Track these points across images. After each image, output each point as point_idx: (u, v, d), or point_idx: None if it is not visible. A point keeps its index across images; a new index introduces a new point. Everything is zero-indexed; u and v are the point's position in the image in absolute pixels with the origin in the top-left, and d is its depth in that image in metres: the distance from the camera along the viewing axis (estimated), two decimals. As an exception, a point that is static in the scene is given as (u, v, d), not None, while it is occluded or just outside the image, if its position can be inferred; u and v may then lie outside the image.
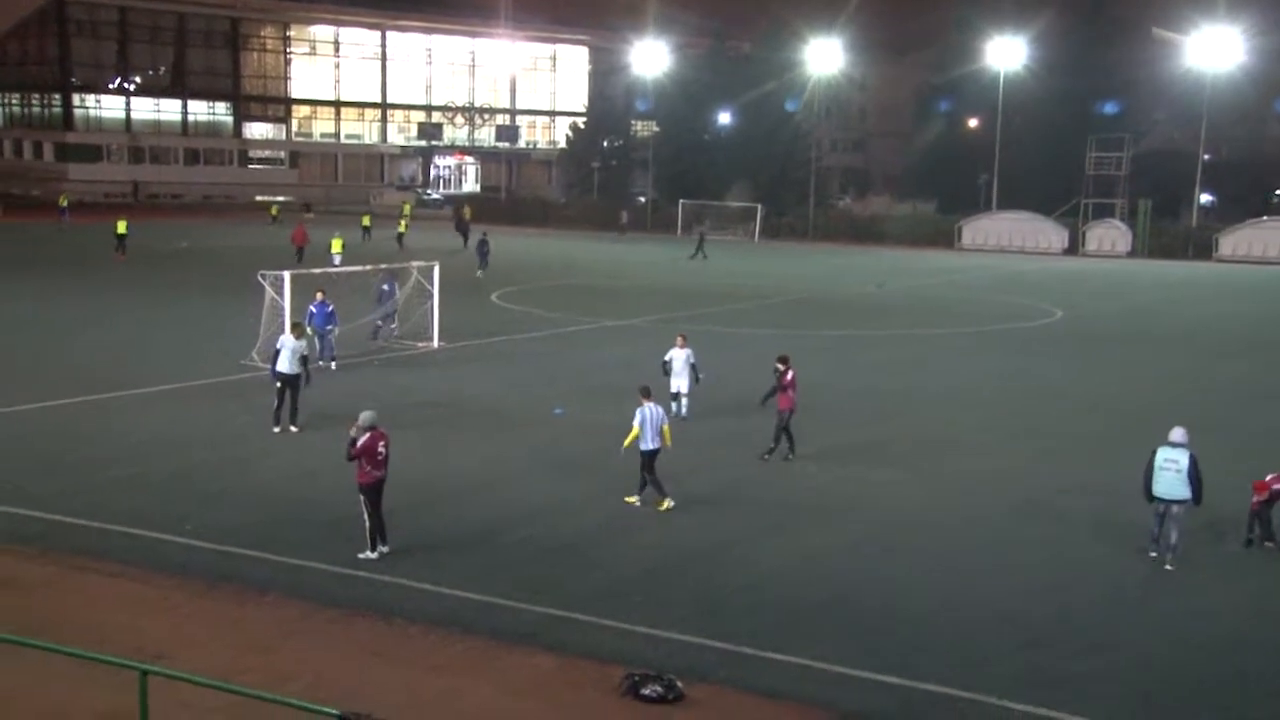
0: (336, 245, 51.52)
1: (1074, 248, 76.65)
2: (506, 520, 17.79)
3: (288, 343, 22.77)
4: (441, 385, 27.85)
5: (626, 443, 18.59)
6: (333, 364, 28.47)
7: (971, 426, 25.18)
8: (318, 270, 32.16)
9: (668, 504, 18.45)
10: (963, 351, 35.55)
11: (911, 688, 12.62)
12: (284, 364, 22.48)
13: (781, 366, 21.66)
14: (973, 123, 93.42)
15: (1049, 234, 78.03)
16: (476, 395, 26.81)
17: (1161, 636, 14.26)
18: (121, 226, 56.25)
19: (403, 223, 67.40)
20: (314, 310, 28.23)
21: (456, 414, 24.87)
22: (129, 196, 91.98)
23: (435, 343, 32.43)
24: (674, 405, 24.95)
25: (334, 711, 9.38)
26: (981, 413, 26.68)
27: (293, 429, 22.39)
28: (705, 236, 68.20)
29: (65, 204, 75.02)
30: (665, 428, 18.65)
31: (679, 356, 24.63)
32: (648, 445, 18.48)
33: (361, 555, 15.75)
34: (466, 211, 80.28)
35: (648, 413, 18.48)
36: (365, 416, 16.07)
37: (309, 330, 27.59)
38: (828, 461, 21.66)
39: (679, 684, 12.29)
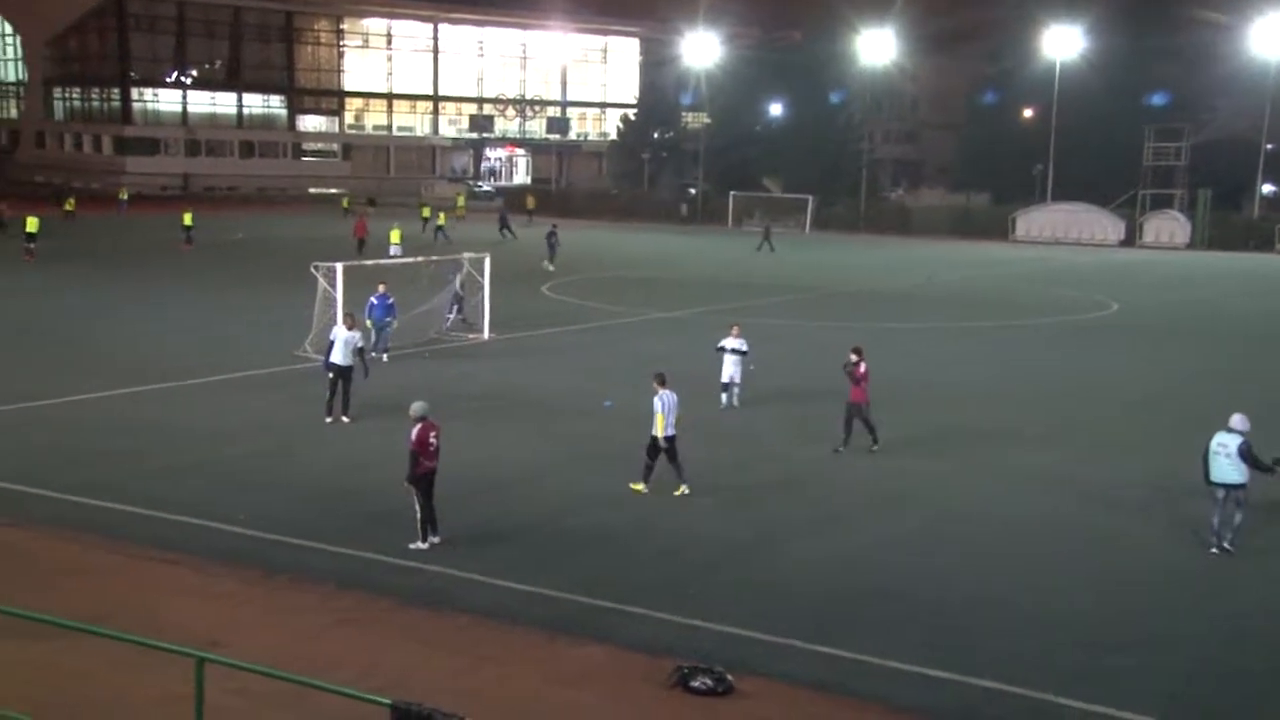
0: (395, 236, 51.97)
1: (1131, 239, 75.59)
2: (556, 511, 17.84)
3: (340, 334, 22.95)
4: (492, 377, 27.96)
5: (659, 430, 18.51)
6: (384, 356, 28.67)
7: (1024, 419, 24.91)
8: (370, 262, 32.38)
9: (684, 490, 18.46)
10: (1016, 344, 35.19)
11: (965, 683, 12.50)
12: (337, 355, 22.67)
13: (855, 358, 21.48)
14: (1027, 113, 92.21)
15: (1105, 225, 77.00)
16: (526, 386, 26.89)
17: (1220, 632, 14.05)
18: (188, 218, 57.21)
19: (442, 215, 67.78)
20: (375, 302, 28.40)
21: (506, 405, 24.96)
22: (174, 189, 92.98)
23: (486, 334, 32.57)
24: (724, 395, 24.97)
25: (386, 701, 9.45)
26: (1035, 406, 26.39)
27: (345, 420, 22.57)
28: (771, 229, 67.82)
29: (125, 197, 76.12)
30: (678, 416, 18.66)
31: (730, 346, 24.78)
32: (668, 431, 18.51)
33: (412, 545, 15.85)
34: (530, 202, 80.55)
35: (667, 399, 18.49)
36: (417, 407, 16.16)
37: (369, 323, 27.94)
38: (879, 454, 21.51)
39: (729, 677, 12.24)
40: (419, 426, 15.92)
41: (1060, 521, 18.10)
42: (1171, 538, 17.36)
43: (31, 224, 50.23)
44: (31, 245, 49.46)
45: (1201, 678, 12.91)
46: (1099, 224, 77.11)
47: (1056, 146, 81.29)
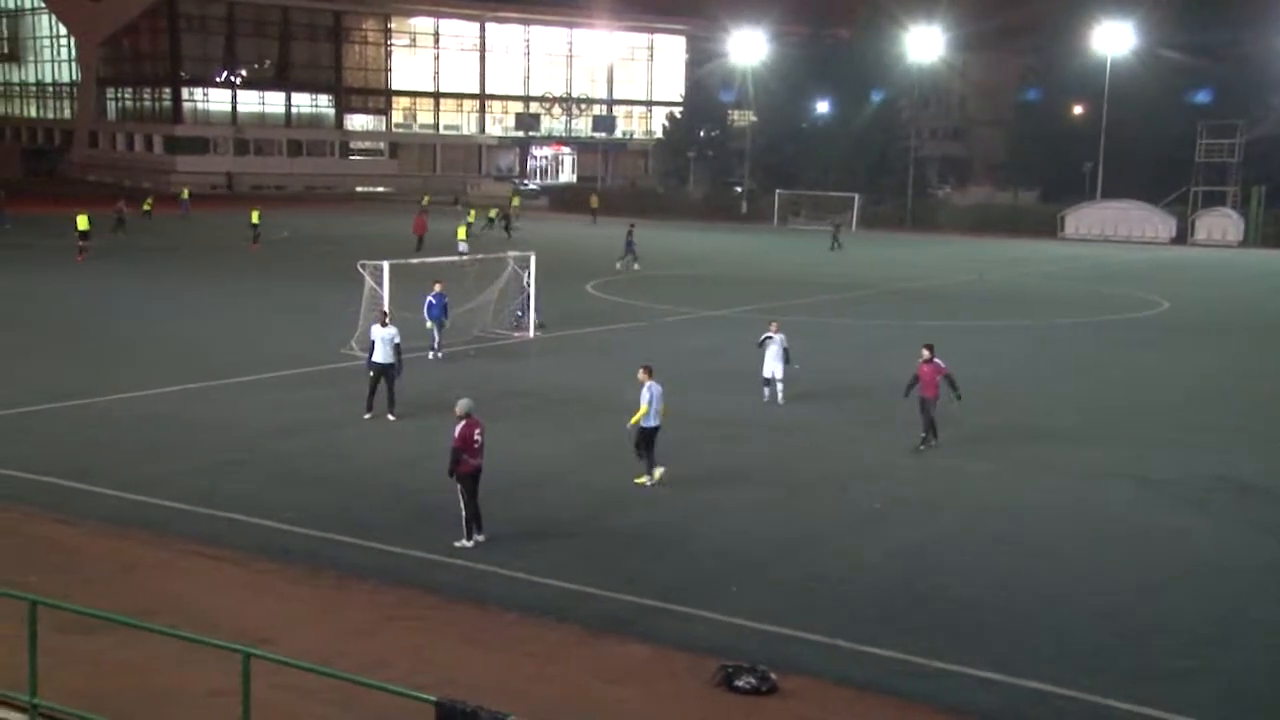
0: (462, 233, 52.52)
1: (1182, 237, 74.58)
2: (600, 508, 17.85)
3: (378, 332, 23.05)
4: (537, 375, 28.03)
5: (634, 420, 18.67)
6: (439, 354, 28.78)
7: (1073, 418, 24.65)
8: (415, 260, 32.56)
9: (657, 475, 18.67)
10: (1065, 342, 34.82)
11: (1010, 684, 12.39)
12: (378, 354, 22.79)
13: (927, 354, 21.32)
14: (1077, 109, 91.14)
15: (1156, 223, 76.00)
16: (571, 384, 26.93)
17: (1271, 634, 13.81)
18: (255, 216, 57.83)
19: (515, 202, 68.02)
20: (432, 301, 28.56)
21: (550, 403, 25.00)
22: (223, 187, 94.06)
23: (531, 332, 32.65)
24: (766, 390, 24.97)
25: (431, 699, 9.49)
26: (1084, 405, 26.10)
27: (390, 418, 22.69)
28: (840, 227, 67.39)
29: (186, 196, 77.14)
30: (664, 406, 18.75)
31: (772, 341, 24.87)
32: (650, 422, 18.59)
33: (458, 543, 15.91)
34: (594, 201, 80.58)
35: (654, 390, 18.59)
36: (462, 404, 16.23)
37: (429, 324, 28.10)
38: (926, 453, 21.36)
39: (773, 676, 12.19)
40: (463, 424, 15.98)
41: (1112, 519, 17.89)
42: (1227, 535, 17.12)
43: (82, 222, 50.92)
44: (84, 244, 50.17)
45: (1251, 679, 12.70)
46: (1150, 221, 76.13)
47: (1107, 143, 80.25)
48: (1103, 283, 51.15)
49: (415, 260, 32.53)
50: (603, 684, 12.33)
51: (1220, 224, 74.31)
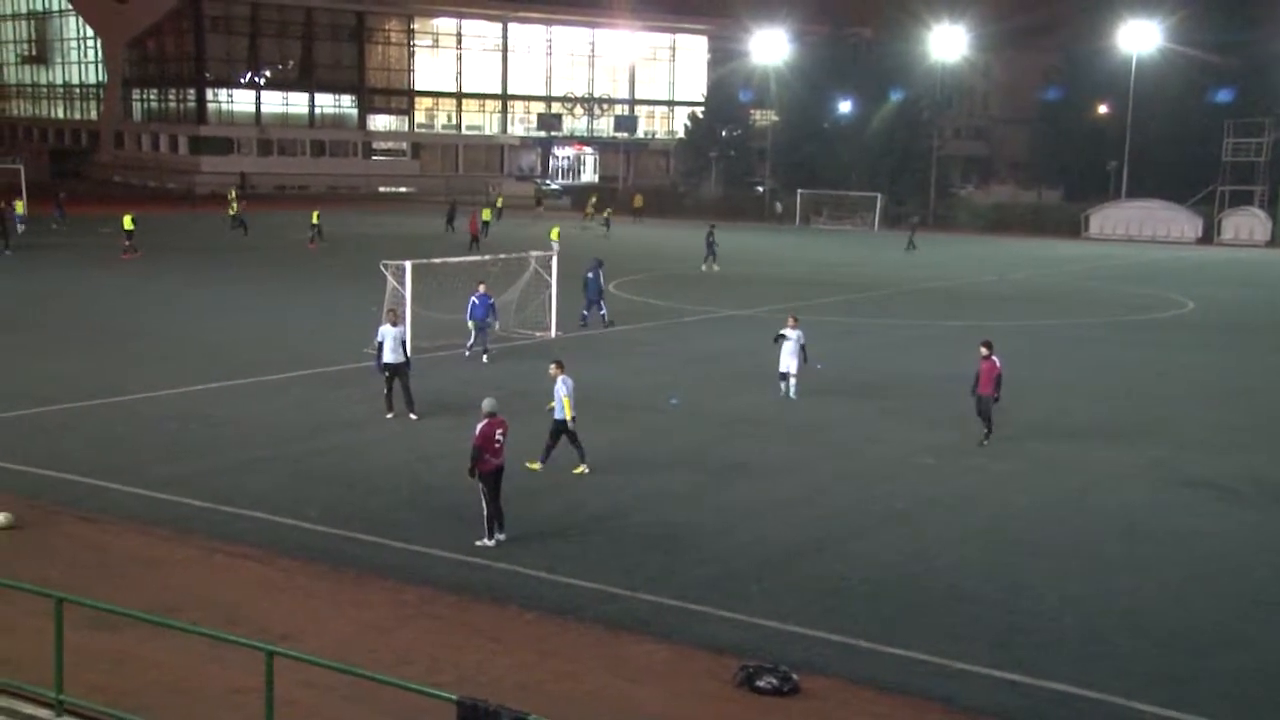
0: (554, 234, 52.92)
1: (1208, 237, 74.05)
2: (621, 508, 17.84)
3: (387, 331, 23.01)
4: (537, 375, 27.93)
5: (569, 413, 18.99)
6: (485, 356, 28.80)
7: (1097, 418, 24.51)
8: (438, 260, 32.63)
9: (536, 466, 19.09)
10: (1088, 342, 34.63)
11: (1034, 685, 12.32)
12: (388, 354, 22.78)
13: (985, 351, 21.33)
14: (1101, 108, 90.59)
15: (1182, 222, 75.47)
16: (592, 384, 26.78)
17: (1300, 640, 13.71)
18: (315, 217, 58.40)
19: (487, 211, 68.07)
20: (475, 301, 28.59)
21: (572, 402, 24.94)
22: (238, 187, 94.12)
23: (553, 332, 32.67)
24: (782, 385, 25.03)
25: (452, 697, 9.51)
26: (1108, 404, 25.96)
27: (411, 417, 22.73)
28: (916, 228, 66.95)
29: (233, 197, 77.74)
30: (567, 399, 19.08)
31: (790, 337, 24.96)
32: (559, 415, 19.04)
33: (479, 542, 15.93)
34: (637, 200, 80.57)
35: (567, 385, 19.03)
36: (487, 403, 16.27)
37: (470, 323, 28.19)
38: (949, 453, 21.27)
39: (794, 676, 12.16)
40: (485, 422, 16.01)
41: (1137, 520, 17.77)
42: (1254, 536, 16.99)
43: (127, 221, 51.35)
44: (129, 243, 50.54)
45: (1278, 681, 12.62)
46: (1175, 221, 75.61)
47: (1132, 142, 79.66)
48: (1127, 282, 50.84)
49: (438, 260, 32.57)
50: (623, 683, 12.32)
51: (1247, 223, 73.75)
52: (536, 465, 19.22)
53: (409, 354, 23.12)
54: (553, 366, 19.43)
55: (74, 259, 50.24)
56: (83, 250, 53.49)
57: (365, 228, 64.20)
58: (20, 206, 58.03)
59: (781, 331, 25.17)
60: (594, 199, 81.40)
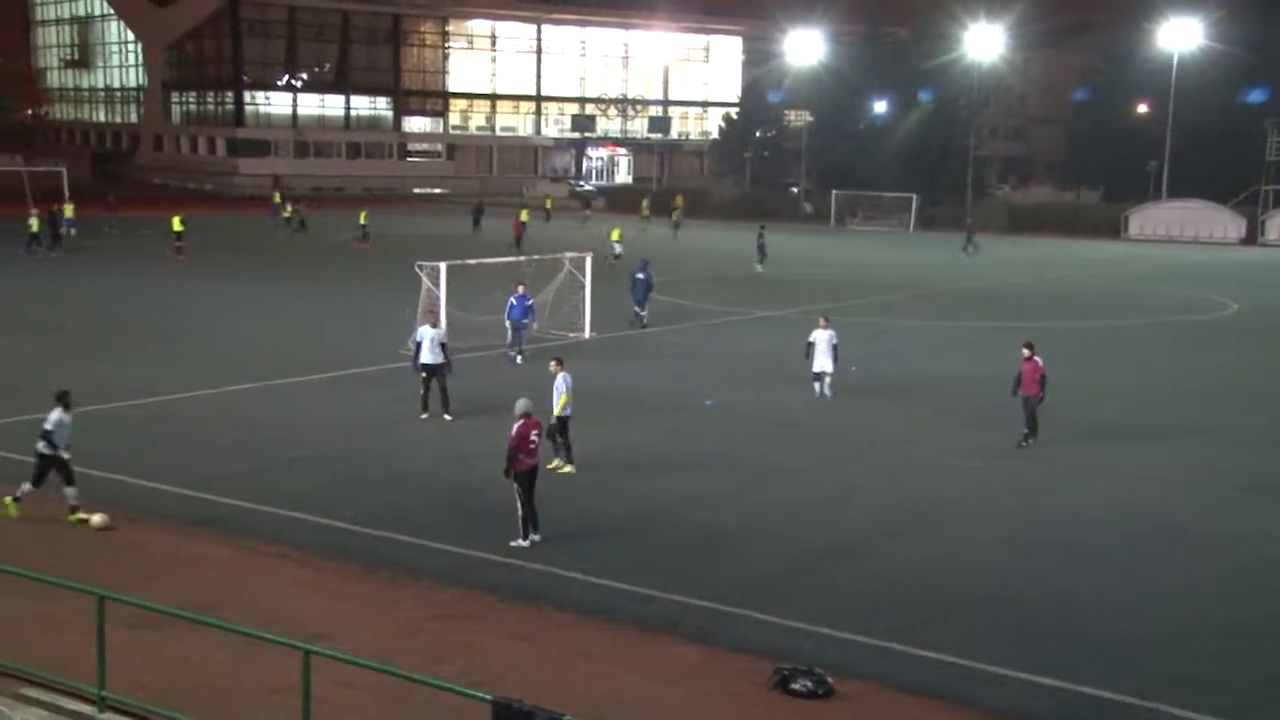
0: (615, 234, 53.14)
1: (1252, 237, 72.88)
2: (654, 510, 17.83)
3: (426, 333, 23.13)
4: (592, 375, 27.93)
5: (557, 411, 19.05)
6: (519, 358, 28.91)
7: (1138, 420, 24.30)
8: (473, 261, 32.74)
9: (568, 469, 19.21)
10: (1128, 343, 34.33)
11: (1070, 690, 12.23)
12: (426, 355, 22.90)
13: (1027, 352, 21.21)
14: (1141, 108, 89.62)
15: (1224, 223, 74.40)
16: (626, 385, 26.94)
17: (1342, 646, 13.53)
18: (363, 218, 58.77)
19: (524, 212, 68.27)
20: (514, 303, 28.71)
21: (606, 403, 24.98)
22: (279, 189, 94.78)
23: (586, 333, 32.71)
24: (817, 385, 25.20)
25: (487, 697, 9.54)
26: (1150, 407, 25.73)
27: (446, 418, 22.83)
28: (974, 229, 66.82)
29: (279, 200, 78.48)
30: (566, 396, 19.21)
31: (821, 338, 25.06)
32: (565, 412, 19.11)
33: (513, 543, 15.98)
34: (677, 202, 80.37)
35: (567, 381, 19.17)
36: (521, 404, 16.32)
37: (506, 323, 28.32)
38: (987, 455, 21.14)
39: (829, 679, 12.13)
40: (521, 423, 16.07)
41: (1175, 523, 17.62)
42: (1291, 545, 16.79)
43: (176, 223, 51.93)
44: (180, 244, 51.13)
45: (1322, 691, 12.45)
46: (1218, 222, 74.53)
47: (1173, 141, 78.59)
48: (1168, 284, 50.32)
49: (473, 261, 32.70)
50: (657, 685, 12.32)
51: (1292, 223, 72.68)
52: (568, 468, 19.24)
53: (449, 356, 23.19)
54: (553, 363, 19.59)
55: (123, 261, 50.72)
56: (133, 252, 53.95)
57: (401, 229, 64.52)
58: (69, 210, 58.63)
59: (810, 338, 25.31)
60: (647, 200, 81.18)
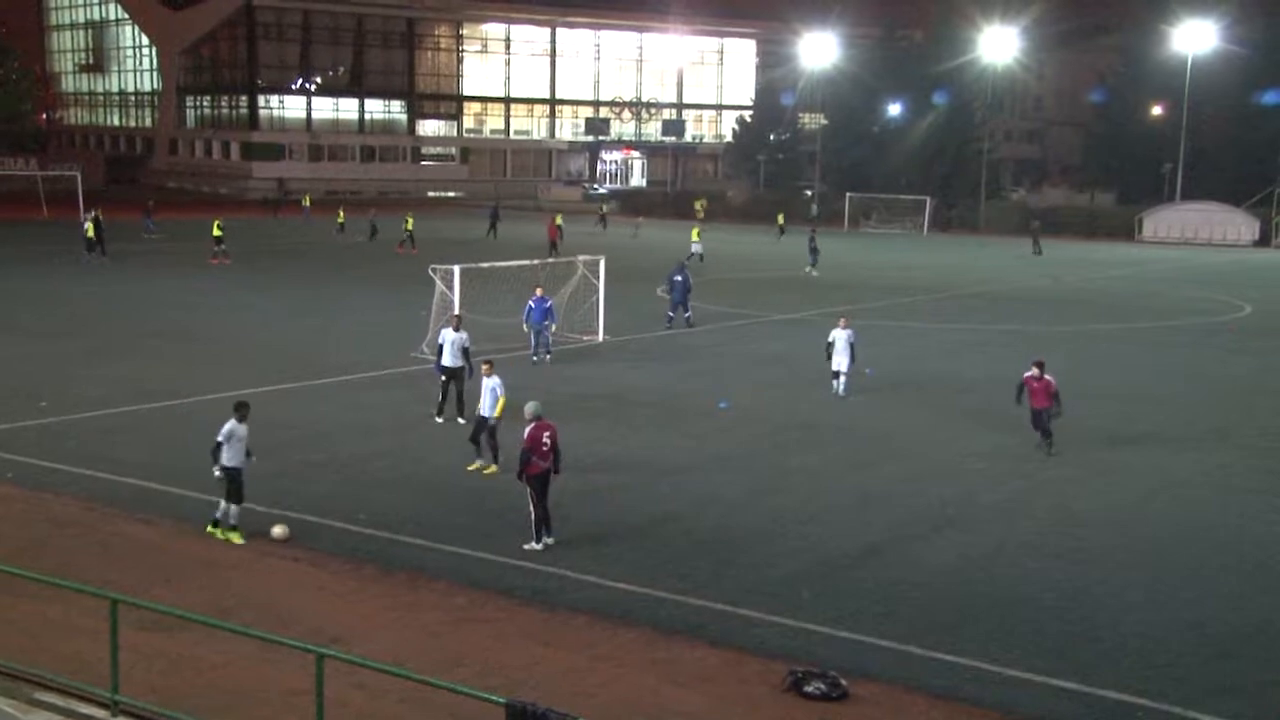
0: (695, 234, 53.50)
1: (1266, 239, 72.70)
2: (669, 513, 17.80)
3: (448, 336, 23.10)
4: (606, 378, 28.04)
5: (497, 412, 19.06)
6: (548, 358, 28.94)
7: (1154, 424, 24.15)
8: (485, 264, 32.74)
9: (477, 465, 19.33)
10: (1143, 346, 34.15)
11: (1090, 694, 12.15)
12: (447, 358, 22.89)
13: (1036, 371, 21.21)
14: (1156, 110, 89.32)
15: (1238, 225, 74.18)
16: (640, 388, 26.92)
17: (1364, 651, 13.40)
18: (409, 223, 59.31)
19: (559, 216, 68.38)
20: (532, 305, 28.75)
21: (620, 406, 25.00)
22: (273, 193, 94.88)
23: (600, 336, 32.69)
24: (834, 383, 25.60)
25: (501, 700, 9.52)
26: (1165, 410, 25.57)
27: (460, 421, 22.80)
28: (1040, 230, 66.44)
29: (308, 204, 78.74)
30: (503, 399, 19.20)
31: (840, 337, 25.49)
32: (487, 413, 19.16)
33: (526, 546, 15.95)
34: (699, 205, 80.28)
35: (496, 384, 19.17)
36: (531, 407, 16.30)
37: (525, 326, 28.36)
38: (1002, 458, 21.04)
39: (843, 682, 12.08)
40: (532, 426, 16.05)
41: (1197, 526, 17.51)
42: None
43: (215, 228, 52.00)
44: (219, 248, 51.26)
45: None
46: (1232, 224, 74.34)
47: (1187, 143, 78.33)
48: (1183, 285, 50.10)
49: (485, 265, 32.70)
50: (672, 688, 12.28)
51: (1306, 226, 72.41)
52: (492, 468, 19.17)
53: (470, 361, 23.01)
54: (484, 366, 19.61)
55: (165, 265, 50.82)
56: (172, 256, 54.08)
57: (420, 232, 64.53)
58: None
59: (829, 338, 25.69)
60: (701, 202, 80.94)
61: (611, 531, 16.88)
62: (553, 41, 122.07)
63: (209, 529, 16.46)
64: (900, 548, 16.47)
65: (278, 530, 16.36)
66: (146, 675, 11.86)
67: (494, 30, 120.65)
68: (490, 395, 19.21)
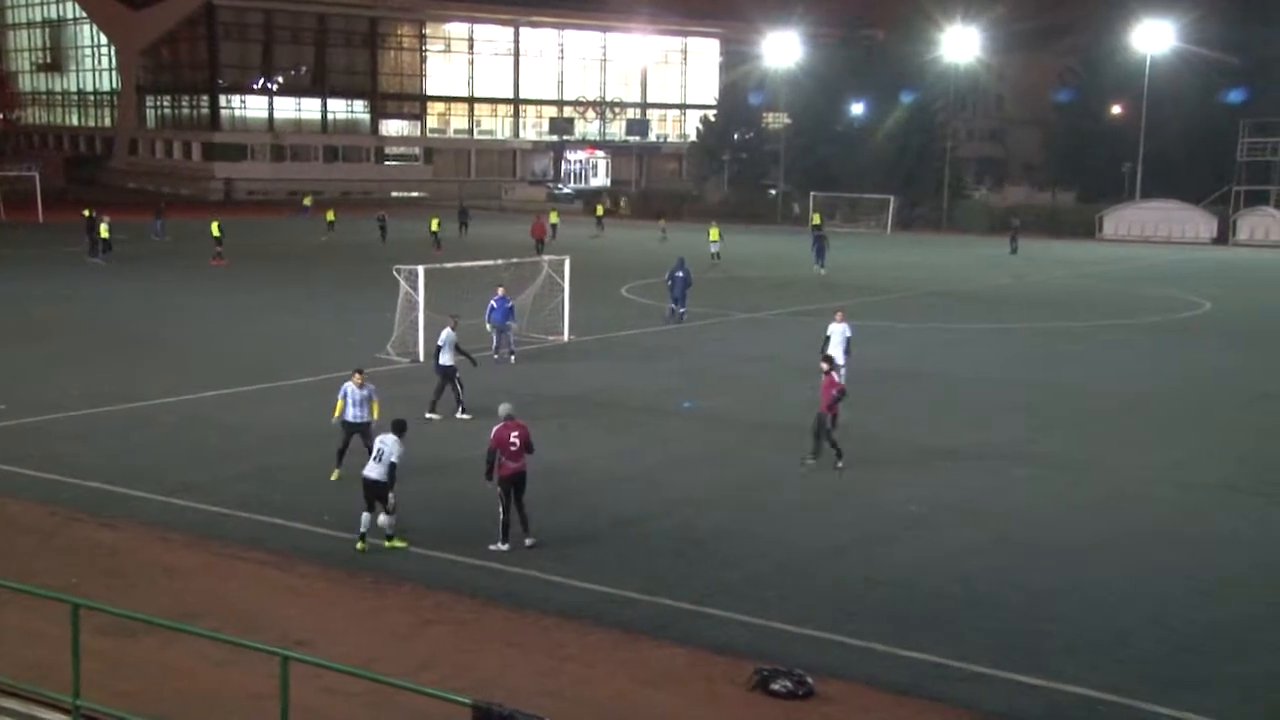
0: (714, 234, 53.90)
1: (1224, 237, 73.55)
2: (636, 513, 17.81)
3: (448, 336, 23.64)
4: (571, 378, 28.02)
5: (335, 415, 18.95)
6: (511, 358, 28.91)
7: (1118, 421, 24.40)
8: (450, 265, 32.64)
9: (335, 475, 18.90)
10: (1106, 345, 34.46)
11: (1054, 689, 12.26)
12: (445, 356, 23.43)
13: (825, 367, 21.04)
14: (1116, 109, 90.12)
15: (1197, 223, 75.03)
16: (605, 388, 26.92)
17: (1322, 643, 13.60)
18: (434, 224, 59.35)
19: (554, 214, 68.14)
20: (494, 305, 28.79)
21: (587, 407, 24.99)
22: (219, 194, 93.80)
23: (566, 336, 32.65)
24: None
25: (467, 701, 9.50)
26: (1127, 405, 25.84)
27: (465, 417, 23.07)
28: (1019, 229, 66.42)
29: (309, 203, 78.10)
30: (375, 403, 19.06)
31: (836, 331, 25.58)
32: (349, 417, 18.91)
33: (492, 547, 15.92)
34: (600, 208, 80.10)
35: (350, 391, 18.98)
36: (503, 408, 16.30)
37: (488, 326, 28.47)
38: (969, 457, 21.17)
39: (809, 680, 12.13)
40: (499, 426, 16.03)
41: (1160, 523, 17.68)
42: (1278, 543, 16.85)
43: (215, 229, 51.55)
44: (218, 249, 50.82)
45: (1304, 688, 12.52)
46: (1191, 222, 75.12)
47: (1147, 142, 79.04)
48: (1143, 284, 50.59)
49: (450, 265, 32.60)
50: (640, 687, 12.31)
51: (1263, 223, 73.25)
52: (335, 475, 19.02)
53: (470, 356, 24.13)
54: (356, 375, 19.22)
55: (163, 267, 50.41)
56: (172, 258, 53.63)
57: (392, 232, 64.31)
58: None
59: (827, 332, 25.76)
60: (604, 204, 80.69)
61: (579, 532, 16.88)
62: (516, 41, 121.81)
63: (387, 543, 16.04)
64: (866, 547, 16.54)
65: (382, 519, 16.19)
66: (109, 681, 11.74)
67: (457, 30, 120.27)
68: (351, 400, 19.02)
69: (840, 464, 19.94)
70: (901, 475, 20.09)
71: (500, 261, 34.61)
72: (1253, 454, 21.79)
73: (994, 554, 16.30)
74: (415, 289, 28.61)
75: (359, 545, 15.99)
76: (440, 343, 23.67)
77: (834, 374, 20.65)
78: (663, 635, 13.47)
